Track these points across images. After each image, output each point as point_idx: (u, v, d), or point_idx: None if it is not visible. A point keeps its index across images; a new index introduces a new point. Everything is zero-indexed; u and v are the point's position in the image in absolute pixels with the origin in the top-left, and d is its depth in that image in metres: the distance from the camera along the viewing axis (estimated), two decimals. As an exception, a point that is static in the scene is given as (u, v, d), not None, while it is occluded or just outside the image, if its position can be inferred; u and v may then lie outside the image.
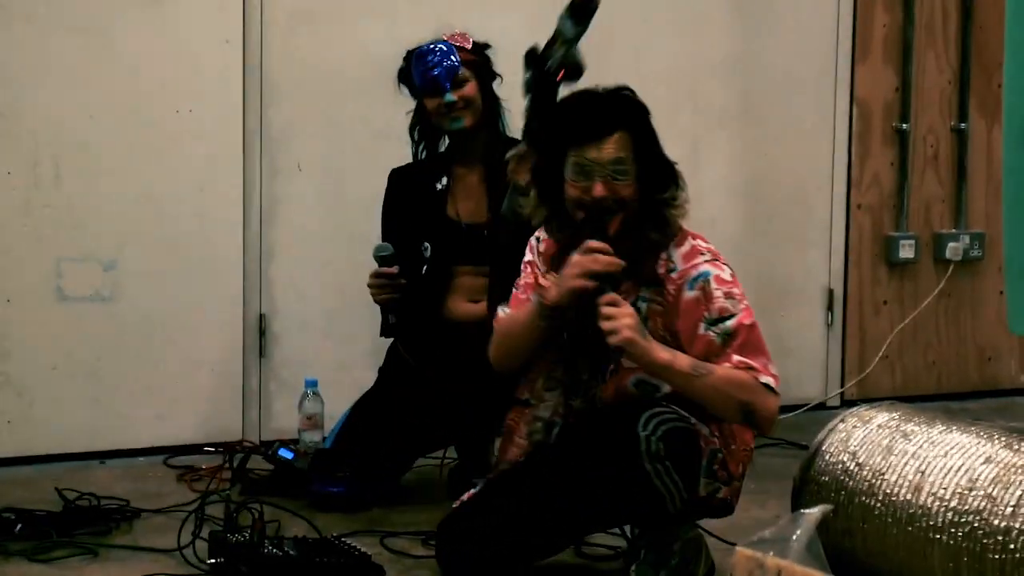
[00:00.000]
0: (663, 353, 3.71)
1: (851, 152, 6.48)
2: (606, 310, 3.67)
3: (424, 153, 5.03)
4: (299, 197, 5.65)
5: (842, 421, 4.13)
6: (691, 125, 6.21)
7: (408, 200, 5.02)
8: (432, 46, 4.87)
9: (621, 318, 3.66)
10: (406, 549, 4.36)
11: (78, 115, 5.33)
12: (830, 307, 6.51)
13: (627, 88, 3.96)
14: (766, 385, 3.75)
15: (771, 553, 3.33)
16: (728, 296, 3.78)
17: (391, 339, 5.03)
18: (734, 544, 3.66)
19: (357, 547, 4.05)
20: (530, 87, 4.29)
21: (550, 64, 4.27)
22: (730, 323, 3.76)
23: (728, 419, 3.82)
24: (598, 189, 3.79)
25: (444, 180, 4.95)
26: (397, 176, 5.10)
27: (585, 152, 3.79)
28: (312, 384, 5.27)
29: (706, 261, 3.82)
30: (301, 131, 5.64)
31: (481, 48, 4.98)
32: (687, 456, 3.75)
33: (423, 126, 5.01)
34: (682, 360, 3.73)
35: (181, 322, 5.50)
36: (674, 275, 3.83)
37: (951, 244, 6.60)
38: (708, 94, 6.25)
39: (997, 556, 3.56)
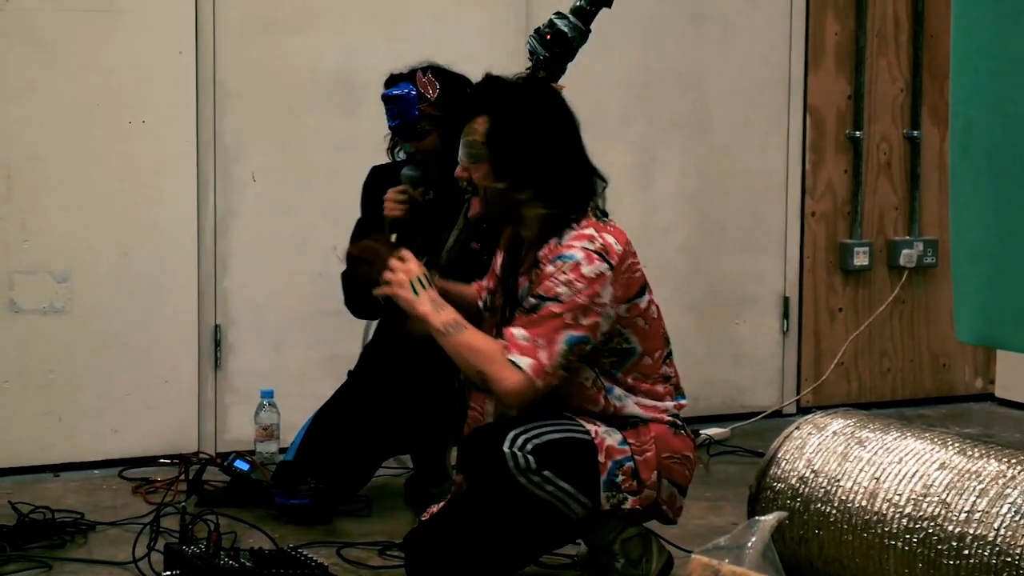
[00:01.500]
0: (425, 307, 3.84)
1: (805, 160, 6.50)
2: (389, 268, 3.89)
3: (401, 154, 4.94)
4: (253, 208, 5.64)
5: (797, 428, 4.14)
6: (644, 134, 6.23)
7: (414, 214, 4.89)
8: (396, 92, 4.74)
9: (395, 273, 3.87)
10: (363, 560, 4.36)
11: (29, 126, 5.30)
12: (785, 315, 6.53)
13: (524, 75, 4.12)
14: (513, 362, 3.71)
15: (727, 560, 3.34)
16: (567, 284, 3.74)
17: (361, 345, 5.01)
18: (690, 551, 3.67)
19: (314, 558, 4.04)
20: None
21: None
22: (544, 303, 3.74)
23: (473, 381, 3.88)
24: (457, 169, 3.96)
25: (430, 195, 4.82)
26: (377, 173, 5.01)
27: (462, 133, 3.95)
28: (268, 395, 5.25)
29: (584, 249, 3.78)
30: (255, 141, 5.62)
31: (448, 95, 4.76)
32: (570, 463, 3.77)
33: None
34: (440, 317, 3.82)
35: (135, 334, 5.47)
36: (552, 254, 3.83)
37: (905, 251, 6.63)
38: (661, 103, 6.26)
39: (952, 562, 3.57)
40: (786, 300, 6.52)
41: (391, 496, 4.97)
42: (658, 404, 3.93)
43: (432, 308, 3.84)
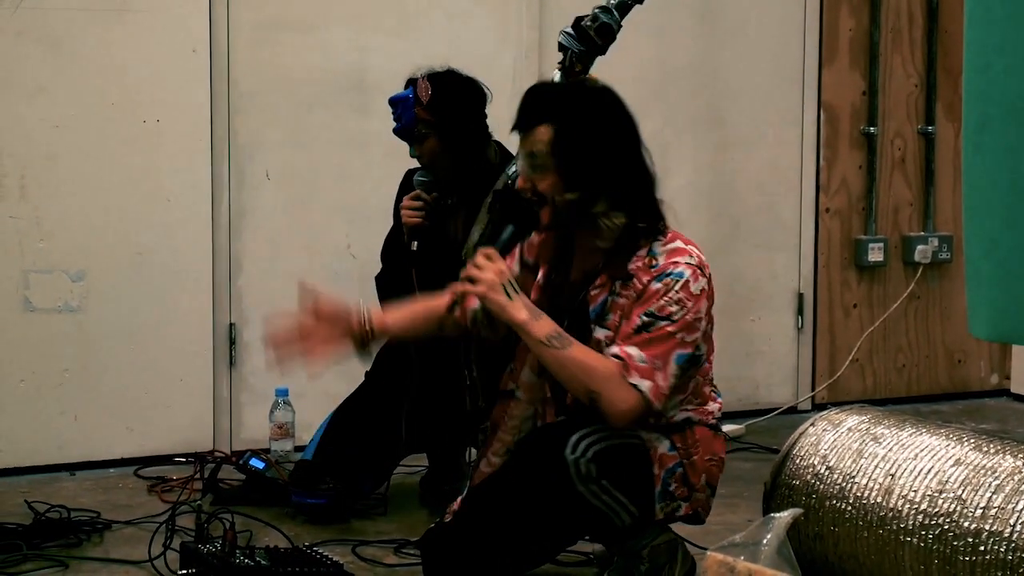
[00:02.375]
0: (522, 313, 3.69)
1: (819, 156, 6.49)
2: (471, 266, 3.73)
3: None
4: (267, 206, 5.64)
5: (812, 425, 4.14)
6: (659, 131, 6.22)
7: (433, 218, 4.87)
8: (398, 96, 4.76)
9: (483, 272, 3.70)
10: (378, 558, 4.36)
11: (44, 126, 5.31)
12: (800, 311, 6.52)
13: (589, 82, 4.00)
14: (634, 385, 3.64)
15: (742, 557, 3.33)
16: (679, 303, 3.70)
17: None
18: (705, 548, 3.67)
19: (329, 556, 4.04)
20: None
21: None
22: (658, 322, 3.68)
23: (577, 397, 3.73)
24: (519, 180, 3.86)
25: (453, 199, 4.83)
26: (410, 176, 4.99)
27: (521, 143, 3.86)
28: (283, 393, 5.27)
29: (689, 265, 3.74)
30: (269, 140, 5.63)
31: (443, 97, 4.73)
32: (626, 473, 3.72)
33: None
34: (541, 327, 3.68)
35: (150, 333, 5.48)
36: (653, 269, 3.76)
37: (920, 247, 6.62)
38: (676, 99, 6.26)
39: (967, 558, 3.57)
40: (801, 296, 6.52)
41: (406, 494, 4.97)
42: (705, 407, 3.90)
43: (530, 316, 3.69)
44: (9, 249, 5.29)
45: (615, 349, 3.68)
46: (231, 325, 5.62)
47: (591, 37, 4.35)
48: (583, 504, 3.69)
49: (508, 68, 5.84)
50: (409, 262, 4.77)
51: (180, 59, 5.47)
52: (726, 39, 6.32)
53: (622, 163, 3.82)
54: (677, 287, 3.71)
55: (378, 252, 4.96)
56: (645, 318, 3.69)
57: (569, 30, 4.39)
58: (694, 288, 3.72)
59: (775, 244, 6.47)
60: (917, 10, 6.61)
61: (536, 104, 3.83)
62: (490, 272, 3.71)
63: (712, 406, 3.93)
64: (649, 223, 3.83)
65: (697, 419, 3.86)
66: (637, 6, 4.51)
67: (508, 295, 3.70)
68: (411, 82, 4.79)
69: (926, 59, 6.64)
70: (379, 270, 4.95)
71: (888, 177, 6.61)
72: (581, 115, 3.79)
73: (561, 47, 4.43)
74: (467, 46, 5.71)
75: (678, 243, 3.80)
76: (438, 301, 4.00)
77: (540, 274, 4.01)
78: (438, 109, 4.70)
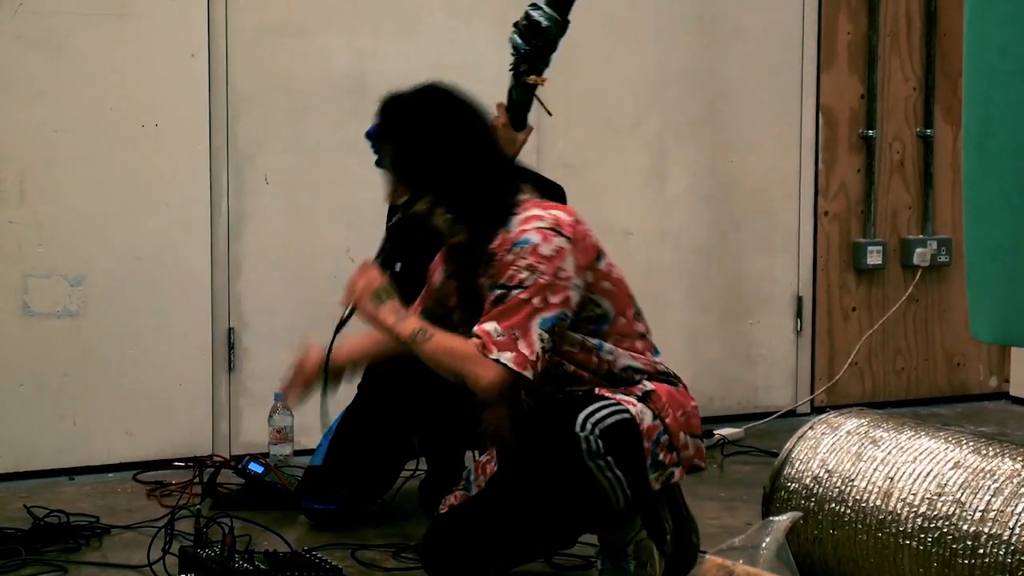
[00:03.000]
0: (389, 318, 3.85)
1: (818, 159, 6.49)
2: (349, 280, 3.93)
3: None
4: (266, 210, 5.64)
5: (811, 428, 4.14)
6: (658, 135, 6.23)
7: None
8: (371, 130, 4.74)
9: (356, 284, 3.91)
10: (377, 561, 4.36)
11: (43, 131, 5.31)
12: (799, 314, 6.52)
13: (416, 90, 4.01)
14: (496, 360, 3.70)
15: (741, 561, 3.33)
16: (529, 268, 3.74)
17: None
18: (704, 552, 3.67)
19: (328, 560, 4.04)
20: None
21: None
22: (510, 292, 3.74)
23: (452, 382, 3.84)
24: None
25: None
26: None
27: None
28: (281, 398, 5.26)
29: (538, 229, 3.78)
30: (268, 144, 5.63)
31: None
32: (628, 448, 3.74)
33: None
34: (406, 327, 3.83)
35: (149, 337, 5.48)
36: (508, 243, 3.82)
37: (918, 250, 6.62)
38: (674, 103, 6.26)
39: (967, 561, 3.57)
40: (800, 300, 6.52)
41: (406, 498, 4.96)
42: (650, 358, 3.94)
43: (396, 319, 3.85)
44: (8, 253, 5.29)
45: (475, 328, 3.76)
46: (230, 329, 5.62)
47: (525, 35, 4.33)
48: (590, 481, 3.70)
49: (507, 70, 5.84)
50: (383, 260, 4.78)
51: (179, 63, 5.47)
52: (725, 43, 6.32)
53: (445, 162, 3.88)
54: (525, 253, 3.75)
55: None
56: (499, 291, 3.77)
57: (514, 28, 4.37)
58: (545, 250, 3.75)
59: (774, 247, 6.47)
60: (915, 13, 6.61)
61: (379, 125, 4.07)
62: (361, 283, 3.89)
63: (654, 358, 3.97)
64: (481, 210, 3.88)
65: (641, 367, 3.90)
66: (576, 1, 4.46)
67: (377, 303, 3.86)
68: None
69: (924, 62, 6.64)
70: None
71: (887, 180, 6.61)
72: (405, 127, 3.93)
73: (513, 48, 4.41)
74: (466, 49, 5.72)
75: (533, 211, 3.83)
76: None
77: (435, 278, 4.17)
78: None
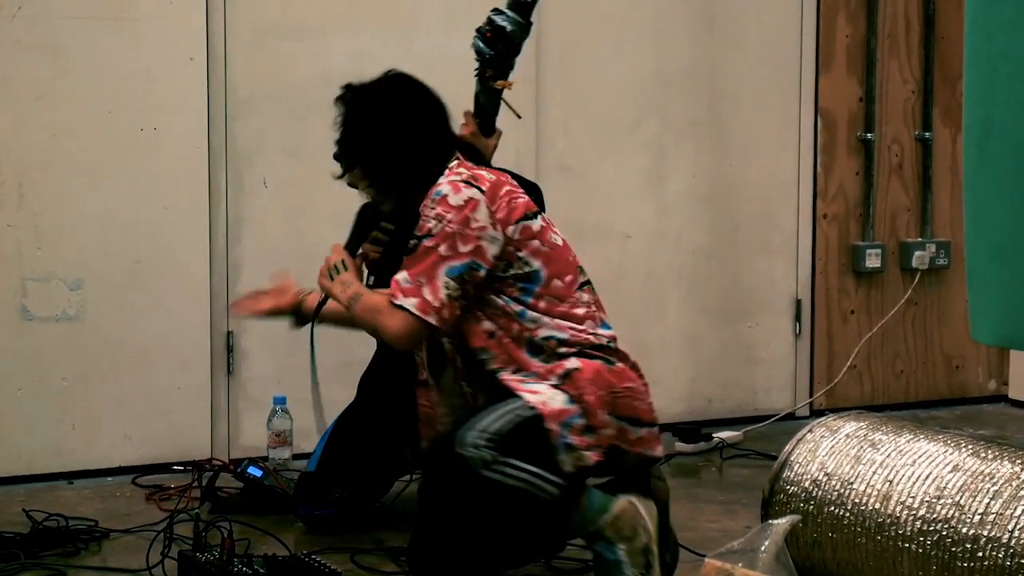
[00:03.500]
0: (336, 288, 4.01)
1: (816, 162, 6.50)
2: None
3: None
4: (265, 214, 5.64)
5: (810, 431, 4.14)
6: (656, 136, 6.23)
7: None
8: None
9: (323, 264, 4.08)
10: (376, 566, 4.36)
11: (41, 135, 5.31)
12: (798, 317, 6.52)
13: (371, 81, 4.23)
14: (400, 306, 3.78)
15: (740, 564, 3.34)
16: (437, 217, 3.80)
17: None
18: (703, 555, 3.67)
19: (328, 564, 4.04)
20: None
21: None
22: (420, 241, 3.81)
23: (375, 338, 4.07)
24: None
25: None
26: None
27: None
28: (281, 401, 5.27)
29: (452, 182, 3.86)
30: (266, 148, 5.63)
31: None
32: (527, 444, 3.70)
33: None
34: (346, 292, 3.98)
35: (148, 340, 5.48)
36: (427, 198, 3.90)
37: (917, 253, 6.62)
38: (673, 105, 6.26)
39: (966, 564, 3.57)
40: (799, 302, 6.52)
41: (405, 502, 4.96)
42: (578, 326, 3.88)
43: (341, 288, 3.98)
44: (7, 257, 5.29)
45: (391, 280, 3.85)
46: (229, 333, 5.62)
47: (489, 40, 4.33)
48: (501, 488, 3.67)
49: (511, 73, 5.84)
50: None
51: (177, 67, 5.47)
52: (724, 45, 6.32)
53: (372, 142, 4.03)
54: (435, 203, 3.81)
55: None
56: (412, 242, 3.83)
57: (476, 33, 4.37)
58: (454, 200, 3.80)
59: (773, 250, 6.47)
60: (914, 16, 6.61)
61: None
62: (324, 263, 4.06)
63: (589, 326, 3.90)
64: (399, 175, 3.98)
65: (567, 337, 3.85)
66: (537, 3, 4.46)
67: (331, 277, 4.02)
68: None
69: (923, 65, 6.64)
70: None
71: (885, 183, 6.61)
72: (348, 112, 4.16)
73: (476, 53, 4.41)
74: (463, 52, 5.70)
75: (459, 170, 3.92)
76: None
77: None
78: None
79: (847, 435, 4.05)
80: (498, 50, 4.33)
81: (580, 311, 3.91)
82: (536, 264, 3.86)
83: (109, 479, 5.41)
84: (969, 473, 3.70)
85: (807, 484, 4.01)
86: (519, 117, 4.87)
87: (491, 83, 4.57)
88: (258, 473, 4.96)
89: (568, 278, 3.91)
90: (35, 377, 5.35)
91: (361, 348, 5.47)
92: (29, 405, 5.35)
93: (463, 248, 3.77)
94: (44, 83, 5.31)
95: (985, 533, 3.55)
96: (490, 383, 3.86)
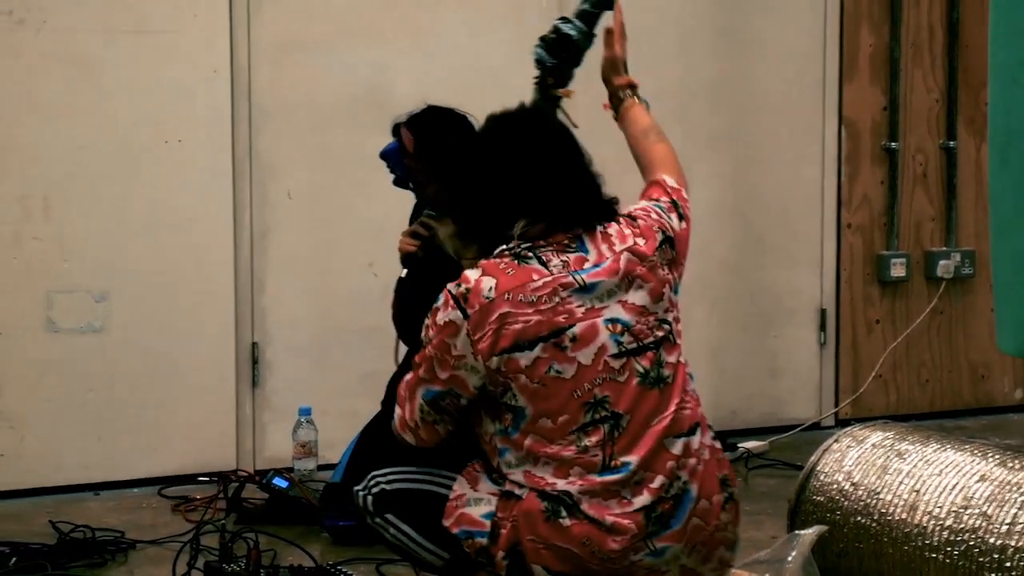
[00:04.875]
0: None
1: (840, 172, 6.49)
2: None
3: None
4: (289, 225, 5.65)
5: (836, 441, 4.13)
6: (680, 148, 6.13)
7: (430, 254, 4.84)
8: (387, 150, 4.69)
9: None
10: (402, 576, 4.36)
11: (67, 147, 5.33)
12: (823, 327, 6.51)
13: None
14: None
15: (767, 574, 3.33)
16: (425, 330, 3.50)
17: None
18: (731, 566, 3.65)
19: (352, 575, 4.04)
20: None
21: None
22: (420, 347, 3.56)
23: None
24: None
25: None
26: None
27: None
28: (306, 412, 5.27)
29: (448, 292, 3.45)
30: (290, 159, 5.64)
31: (428, 140, 4.64)
32: (417, 512, 3.57)
33: None
34: None
35: (173, 352, 5.49)
36: None
37: (942, 262, 6.61)
38: (697, 117, 6.26)
39: (993, 574, 3.55)
40: (823, 312, 6.51)
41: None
42: (547, 478, 3.36)
43: None
44: (33, 269, 5.31)
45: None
46: (254, 344, 5.63)
47: (554, 50, 4.32)
48: (382, 539, 3.61)
49: (527, 84, 5.84)
50: (397, 289, 4.76)
51: (202, 80, 5.49)
52: (747, 57, 6.32)
53: (456, 191, 3.68)
54: (430, 312, 3.48)
55: (400, 269, 4.95)
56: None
57: (539, 42, 4.36)
58: (440, 317, 3.42)
59: (797, 260, 6.46)
60: (937, 25, 6.60)
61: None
62: None
63: (567, 479, 3.35)
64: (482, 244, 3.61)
65: (529, 486, 3.38)
66: (607, 12, 4.46)
67: None
68: (395, 129, 4.74)
69: (947, 74, 6.63)
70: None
71: (910, 192, 6.60)
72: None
73: (536, 61, 4.41)
74: (486, 62, 5.73)
75: (474, 270, 3.45)
76: None
77: None
78: (427, 155, 4.61)
79: (873, 445, 4.04)
80: (561, 58, 4.33)
81: (569, 454, 3.35)
82: (522, 401, 3.37)
83: (135, 490, 5.42)
84: (996, 483, 3.68)
85: (834, 494, 4.00)
86: (575, 127, 4.86)
87: (552, 91, 4.56)
88: (283, 484, 4.96)
89: (563, 418, 3.35)
90: (61, 389, 5.37)
91: (385, 358, 5.49)
92: (55, 417, 5.36)
93: (441, 375, 3.43)
94: (69, 96, 5.33)
95: (1012, 543, 3.54)
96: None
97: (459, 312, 3.37)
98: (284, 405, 5.59)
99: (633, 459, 3.34)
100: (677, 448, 3.38)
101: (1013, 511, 3.59)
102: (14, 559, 4.37)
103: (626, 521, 3.32)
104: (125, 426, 5.45)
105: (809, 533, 3.48)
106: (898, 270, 6.55)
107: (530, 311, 3.36)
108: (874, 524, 3.86)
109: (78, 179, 5.35)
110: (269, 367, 5.66)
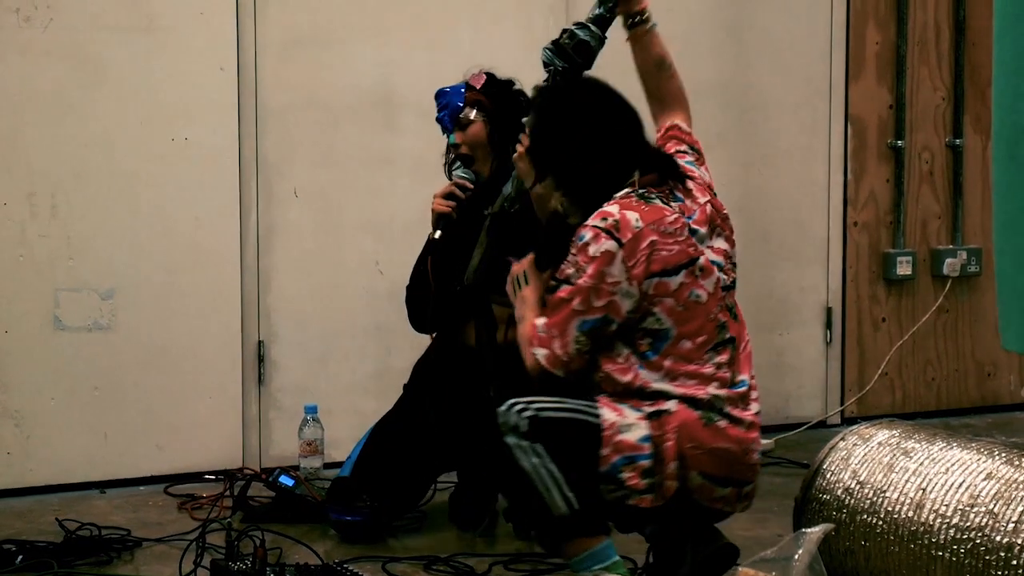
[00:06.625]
0: (515, 299, 3.98)
1: (847, 170, 6.48)
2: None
3: (459, 172, 4.90)
4: (295, 223, 5.66)
5: (843, 439, 4.13)
6: (686, 145, 6.21)
7: (463, 217, 4.85)
8: (445, 88, 4.82)
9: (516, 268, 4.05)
10: (408, 574, 4.36)
11: (73, 145, 5.33)
12: (829, 325, 6.51)
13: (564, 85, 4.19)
14: (533, 351, 3.78)
15: (773, 573, 3.33)
16: (576, 266, 3.74)
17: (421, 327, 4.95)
18: (737, 564, 3.66)
19: (359, 573, 4.04)
20: None
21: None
22: (559, 286, 3.76)
23: None
24: None
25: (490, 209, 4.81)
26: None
27: None
28: (312, 410, 5.28)
29: (594, 228, 3.74)
30: (297, 157, 5.64)
31: (496, 87, 4.84)
32: (567, 447, 3.68)
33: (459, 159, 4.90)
34: (518, 308, 3.95)
35: (179, 350, 5.49)
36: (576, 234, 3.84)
37: (948, 260, 6.60)
38: (703, 115, 6.20)
39: (1000, 572, 3.55)
40: (829, 310, 6.51)
41: (437, 511, 4.96)
42: (697, 385, 3.77)
43: (518, 303, 3.94)
44: (39, 267, 5.31)
45: (535, 320, 3.85)
46: (260, 342, 5.63)
47: (569, 54, 4.32)
48: (516, 468, 3.68)
49: (535, 81, 5.83)
50: (428, 250, 4.78)
51: (208, 77, 5.49)
52: (754, 54, 6.32)
53: (565, 148, 3.93)
54: (576, 249, 3.75)
55: (406, 268, 4.95)
56: (552, 282, 3.83)
57: (550, 46, 4.36)
58: (593, 250, 3.73)
59: (804, 258, 6.46)
60: (944, 23, 6.60)
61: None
62: (515, 267, 4.02)
63: (710, 387, 3.79)
64: (593, 195, 3.86)
65: (678, 393, 3.75)
66: (613, 20, 4.46)
67: (516, 287, 3.99)
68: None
69: (953, 72, 6.63)
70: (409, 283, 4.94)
71: (916, 190, 6.60)
72: (542, 112, 4.06)
73: (544, 64, 4.41)
74: (493, 60, 5.70)
75: (612, 207, 3.79)
76: None
77: None
78: (490, 94, 4.80)
79: (879, 443, 4.04)
80: (574, 63, 4.33)
81: (708, 371, 3.80)
82: (668, 323, 3.75)
83: (141, 488, 5.42)
84: (1003, 481, 3.68)
85: (840, 492, 4.00)
86: None
87: None
88: (289, 482, 4.96)
89: (701, 339, 3.79)
90: (67, 387, 5.37)
91: (392, 356, 5.51)
92: (61, 415, 5.36)
93: (596, 303, 3.71)
94: (75, 94, 5.33)
95: (1019, 541, 3.54)
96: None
97: (613, 242, 3.71)
98: (290, 403, 5.60)
99: (745, 376, 3.89)
100: (753, 369, 3.95)
101: (1020, 509, 3.58)
102: (20, 557, 4.37)
103: (756, 420, 3.89)
104: (131, 424, 5.45)
105: (815, 531, 3.47)
106: (904, 268, 6.55)
107: (671, 241, 3.77)
108: (880, 522, 3.86)
109: (85, 177, 5.35)
110: (275, 365, 5.66)
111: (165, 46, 5.43)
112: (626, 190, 3.82)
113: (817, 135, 6.45)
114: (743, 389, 3.87)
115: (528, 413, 3.70)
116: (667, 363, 3.78)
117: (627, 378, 3.77)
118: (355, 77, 5.70)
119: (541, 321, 3.78)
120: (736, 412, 3.82)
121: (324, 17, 5.66)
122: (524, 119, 4.27)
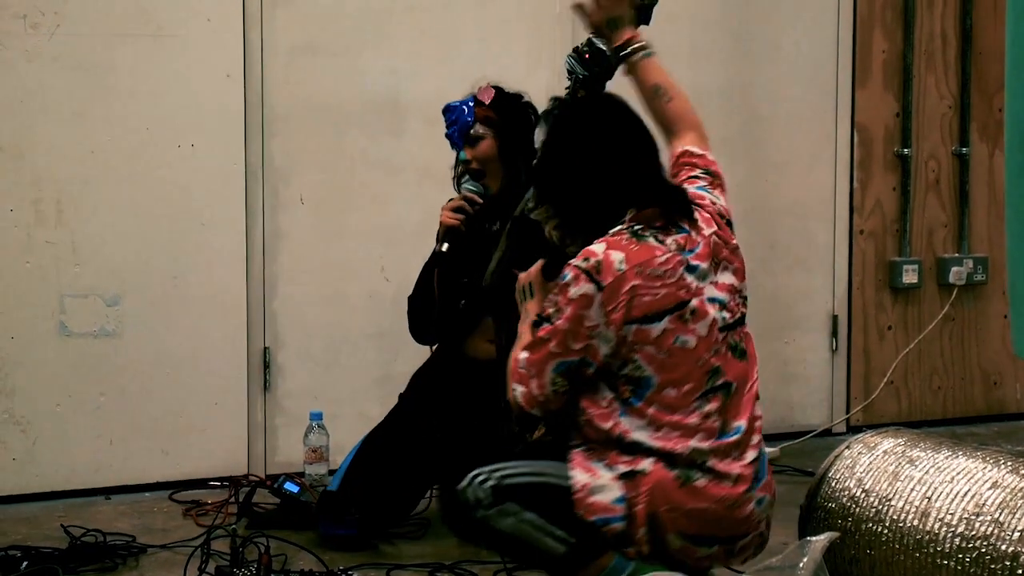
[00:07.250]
0: (521, 309, 3.87)
1: (853, 178, 6.48)
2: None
3: (467, 186, 4.90)
4: (301, 230, 5.66)
5: (848, 447, 4.13)
6: (692, 153, 6.20)
7: (470, 231, 4.85)
8: (454, 103, 4.81)
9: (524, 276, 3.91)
10: (413, 581, 4.36)
11: (80, 151, 5.33)
12: (834, 333, 6.51)
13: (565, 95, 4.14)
14: (512, 389, 3.68)
15: (778, 581, 3.33)
16: (555, 305, 3.61)
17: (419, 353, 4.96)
18: (742, 572, 3.65)
19: (363, 580, 4.05)
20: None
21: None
22: (540, 324, 3.64)
23: None
24: None
25: (497, 225, 4.76)
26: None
27: None
28: (317, 417, 5.27)
29: (576, 267, 3.60)
30: (303, 164, 5.64)
31: (505, 102, 4.84)
32: (536, 499, 3.61)
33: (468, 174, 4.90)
34: (521, 320, 3.82)
35: (185, 356, 5.50)
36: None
37: (954, 268, 6.60)
38: (709, 122, 6.17)
39: (1005, 581, 3.55)
40: (835, 318, 6.50)
41: (432, 519, 4.95)
42: (679, 437, 3.59)
43: (522, 314, 3.83)
44: (45, 273, 5.31)
45: (514, 353, 3.74)
46: (265, 349, 5.63)
47: (588, 63, 4.32)
48: (496, 533, 3.63)
49: (541, 90, 5.84)
50: (434, 262, 4.79)
51: (214, 83, 5.49)
52: (760, 63, 6.32)
53: (562, 176, 3.78)
54: (559, 288, 3.62)
55: (412, 274, 4.96)
56: (535, 318, 3.70)
57: (573, 54, 4.37)
58: (572, 292, 3.57)
59: (809, 266, 6.46)
60: (951, 31, 6.60)
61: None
62: (522, 276, 3.88)
63: (693, 440, 3.60)
64: (585, 228, 3.74)
65: (655, 447, 3.58)
66: (644, 26, 4.47)
67: (522, 297, 3.87)
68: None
69: (960, 80, 6.62)
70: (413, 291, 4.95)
71: (922, 198, 6.60)
72: (553, 132, 3.88)
73: (567, 72, 4.41)
74: (500, 68, 5.71)
75: (594, 245, 3.62)
76: None
77: None
78: (500, 109, 4.79)
79: (885, 451, 4.03)
80: (593, 72, 4.33)
81: (692, 421, 3.60)
82: (648, 371, 3.58)
83: (146, 495, 5.42)
84: (1008, 490, 3.68)
85: (845, 500, 3.99)
86: None
87: None
88: (294, 489, 4.96)
89: (687, 387, 3.60)
90: (73, 393, 5.37)
91: (397, 362, 5.51)
92: (67, 421, 5.37)
93: (574, 346, 3.58)
94: (82, 100, 5.33)
95: (1024, 550, 3.54)
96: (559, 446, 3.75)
97: (593, 285, 3.56)
98: (295, 409, 5.60)
99: (742, 422, 3.67)
100: (759, 410, 3.76)
101: (1025, 518, 3.58)
102: (25, 563, 4.37)
103: (747, 472, 3.64)
104: (137, 430, 5.45)
105: (820, 540, 3.47)
106: (910, 276, 6.55)
107: (657, 284, 3.59)
108: (886, 531, 3.86)
109: (91, 183, 5.35)
110: (281, 371, 5.66)
111: (172, 53, 5.43)
112: (619, 227, 3.66)
113: (823, 143, 6.45)
114: (735, 437, 3.65)
115: (490, 483, 3.62)
116: (651, 411, 3.59)
117: (607, 425, 3.62)
118: (361, 84, 5.70)
119: (524, 356, 3.65)
120: (721, 466, 3.60)
121: (331, 24, 5.66)
122: (535, 131, 4.27)
